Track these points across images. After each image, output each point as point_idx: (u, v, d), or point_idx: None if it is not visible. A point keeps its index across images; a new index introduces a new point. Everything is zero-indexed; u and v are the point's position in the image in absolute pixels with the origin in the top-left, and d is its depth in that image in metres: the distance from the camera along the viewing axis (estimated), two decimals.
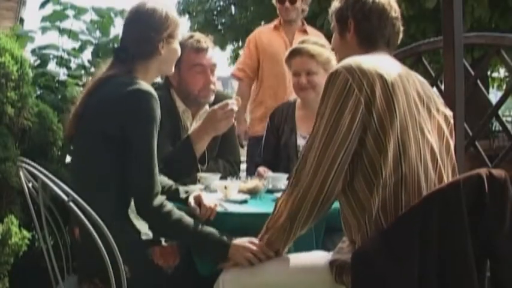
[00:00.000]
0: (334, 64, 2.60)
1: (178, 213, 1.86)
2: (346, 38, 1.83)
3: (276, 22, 3.99)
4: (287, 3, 3.82)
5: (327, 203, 1.64)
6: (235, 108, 2.34)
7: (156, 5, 2.01)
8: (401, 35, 1.85)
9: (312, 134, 1.66)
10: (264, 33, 3.98)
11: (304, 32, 3.92)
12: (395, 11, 1.81)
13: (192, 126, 2.63)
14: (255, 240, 1.78)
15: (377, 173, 1.60)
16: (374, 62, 1.67)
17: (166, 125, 2.13)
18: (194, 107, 2.63)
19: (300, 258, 1.79)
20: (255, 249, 1.76)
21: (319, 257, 1.79)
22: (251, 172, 3.00)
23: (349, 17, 1.81)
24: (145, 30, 2.00)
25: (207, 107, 2.62)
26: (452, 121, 1.84)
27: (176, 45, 2.05)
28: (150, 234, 1.94)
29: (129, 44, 2.01)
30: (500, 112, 3.53)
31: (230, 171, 2.65)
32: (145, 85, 1.89)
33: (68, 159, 3.15)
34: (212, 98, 2.60)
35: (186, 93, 2.57)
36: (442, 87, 2.86)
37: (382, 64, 1.68)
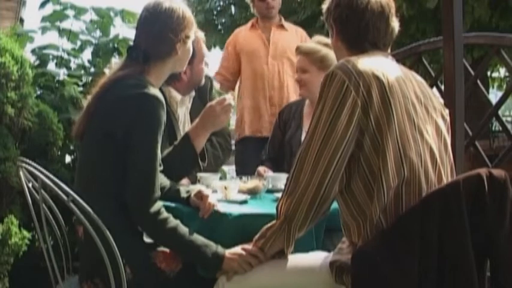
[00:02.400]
0: (331, 62, 2.63)
1: (174, 221, 1.84)
2: (334, 41, 1.84)
3: (252, 21, 3.99)
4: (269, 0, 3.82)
5: (323, 205, 1.64)
6: (233, 102, 2.35)
7: (173, 4, 2.00)
8: (394, 34, 1.81)
9: (308, 136, 1.66)
10: (242, 33, 3.99)
11: (281, 27, 3.92)
12: (379, 13, 1.76)
13: (188, 110, 2.69)
14: (247, 246, 1.77)
15: (376, 176, 1.59)
16: (370, 63, 1.66)
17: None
18: (188, 92, 2.71)
19: (300, 259, 1.79)
20: (247, 256, 1.75)
21: (319, 258, 1.79)
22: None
23: (331, 22, 1.81)
24: (164, 31, 1.98)
25: (192, 91, 2.73)
26: (448, 119, 1.83)
27: (190, 45, 2.05)
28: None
29: (144, 44, 1.98)
30: (500, 112, 3.53)
31: (224, 146, 2.74)
32: (152, 89, 1.87)
33: (68, 159, 3.16)
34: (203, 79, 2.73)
35: (195, 84, 2.66)
36: (442, 87, 2.87)
37: (378, 65, 1.67)
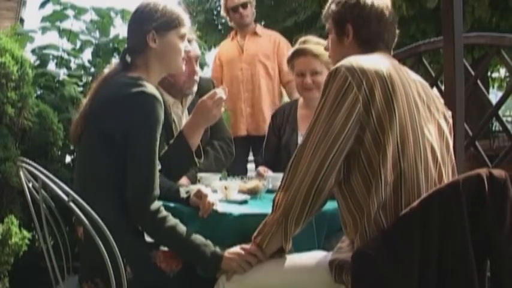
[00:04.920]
0: None
1: (173, 220, 1.84)
2: (344, 42, 1.83)
3: (232, 33, 4.38)
4: (241, 9, 4.15)
5: (319, 198, 1.64)
6: (224, 96, 2.34)
7: (156, 0, 2.02)
8: (396, 38, 1.86)
9: (308, 130, 1.67)
10: (224, 45, 4.46)
11: (255, 34, 4.26)
12: (392, 14, 1.82)
13: (184, 115, 2.65)
14: (246, 246, 1.78)
15: (375, 172, 1.60)
16: (375, 62, 1.68)
17: None
18: (180, 97, 2.68)
19: (299, 258, 1.79)
20: (246, 256, 1.76)
21: (318, 257, 1.79)
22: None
23: (348, 22, 1.81)
24: (134, 22, 2.03)
25: (192, 94, 2.68)
26: (451, 121, 1.85)
27: (173, 38, 2.02)
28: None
29: (127, 41, 2.06)
30: (500, 112, 3.53)
31: (226, 150, 2.74)
32: (149, 87, 1.88)
33: (68, 159, 3.16)
34: (196, 88, 2.67)
35: (171, 83, 2.60)
36: (442, 87, 2.87)
37: (382, 65, 1.68)
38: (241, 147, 3.94)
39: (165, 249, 1.92)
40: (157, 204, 1.84)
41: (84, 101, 2.02)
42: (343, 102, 1.61)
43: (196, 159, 2.29)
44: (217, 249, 1.82)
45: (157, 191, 1.85)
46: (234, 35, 4.33)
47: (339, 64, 1.67)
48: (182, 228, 1.84)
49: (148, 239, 1.92)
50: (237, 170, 3.35)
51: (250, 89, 4.17)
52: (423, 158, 1.65)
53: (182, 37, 2.05)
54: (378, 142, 1.61)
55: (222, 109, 2.37)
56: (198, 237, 1.84)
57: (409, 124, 1.64)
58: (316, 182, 1.62)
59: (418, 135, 1.66)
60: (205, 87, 2.72)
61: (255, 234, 1.76)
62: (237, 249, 1.79)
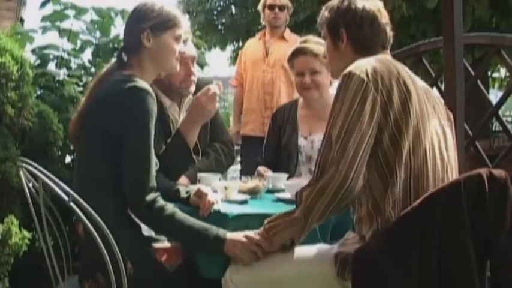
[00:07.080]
0: None
1: (171, 209, 1.85)
2: (340, 47, 1.85)
3: (260, 34, 4.50)
4: (276, 9, 4.29)
5: (346, 199, 1.62)
6: (218, 91, 2.34)
7: (154, 0, 2.03)
8: (392, 40, 1.87)
9: (328, 133, 1.66)
10: (251, 43, 4.56)
11: (282, 38, 4.36)
12: (385, 17, 1.84)
13: (181, 117, 2.65)
14: (251, 234, 1.78)
15: (392, 171, 1.62)
16: (383, 62, 1.70)
17: (157, 124, 2.14)
18: (177, 99, 2.66)
19: (306, 250, 1.78)
20: (251, 245, 1.76)
21: (324, 249, 1.78)
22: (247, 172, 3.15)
23: (341, 27, 1.83)
24: (130, 21, 2.05)
25: (190, 95, 2.66)
26: (452, 120, 1.86)
27: (167, 39, 2.02)
28: (153, 232, 1.95)
29: (123, 39, 2.08)
30: (500, 112, 3.53)
31: (227, 152, 2.74)
32: (141, 82, 1.90)
33: (68, 159, 3.16)
34: (193, 88, 2.64)
35: (167, 85, 2.58)
36: (442, 87, 2.87)
37: (392, 64, 1.70)
38: (260, 147, 3.98)
39: (166, 244, 1.93)
40: (154, 194, 1.84)
41: (82, 100, 2.03)
42: (363, 101, 1.62)
43: (194, 157, 2.29)
44: (220, 231, 1.81)
45: (153, 183, 1.85)
46: (263, 35, 4.42)
47: (350, 68, 1.68)
48: (181, 215, 1.85)
49: (147, 233, 1.93)
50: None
51: (270, 92, 4.26)
52: (431, 155, 1.67)
53: (177, 38, 2.05)
54: (395, 143, 1.63)
55: (217, 104, 2.37)
56: (198, 223, 1.84)
57: (421, 121, 1.67)
58: (346, 182, 1.59)
59: (429, 135, 1.68)
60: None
61: (266, 222, 1.75)
62: (240, 235, 1.79)
